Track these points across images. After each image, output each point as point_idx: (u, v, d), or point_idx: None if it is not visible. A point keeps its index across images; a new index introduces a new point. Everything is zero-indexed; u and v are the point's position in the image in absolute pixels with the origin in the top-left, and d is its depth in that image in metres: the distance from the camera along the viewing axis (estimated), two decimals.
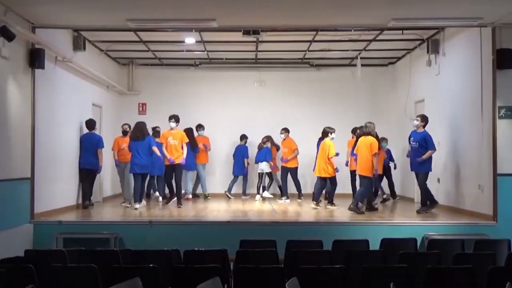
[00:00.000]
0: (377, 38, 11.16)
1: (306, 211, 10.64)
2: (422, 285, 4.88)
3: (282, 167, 12.66)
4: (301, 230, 8.50)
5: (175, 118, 10.92)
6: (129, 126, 11.46)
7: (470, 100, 9.62)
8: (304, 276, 4.68)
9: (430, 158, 9.63)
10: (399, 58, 13.60)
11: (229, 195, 13.20)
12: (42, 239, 8.31)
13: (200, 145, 13.06)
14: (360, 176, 10.11)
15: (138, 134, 10.55)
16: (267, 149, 12.84)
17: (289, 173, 12.55)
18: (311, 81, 14.44)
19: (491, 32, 8.73)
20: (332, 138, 10.70)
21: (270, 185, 13.24)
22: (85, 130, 10.97)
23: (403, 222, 8.84)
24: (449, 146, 10.42)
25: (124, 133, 11.59)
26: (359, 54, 12.67)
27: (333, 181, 10.76)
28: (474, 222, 8.70)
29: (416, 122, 9.86)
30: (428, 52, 11.17)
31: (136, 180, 10.60)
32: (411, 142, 9.96)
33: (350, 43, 11.60)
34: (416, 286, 4.96)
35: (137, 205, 10.44)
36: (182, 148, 10.83)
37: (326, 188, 10.91)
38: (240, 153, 13.40)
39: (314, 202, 10.84)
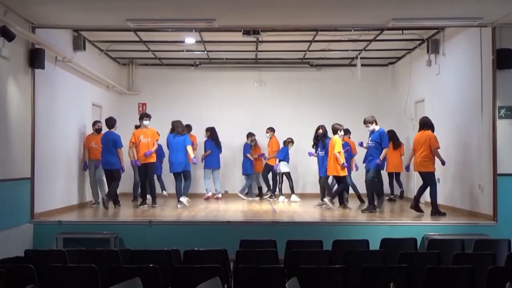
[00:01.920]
0: (377, 38, 11.16)
1: (306, 211, 10.64)
2: (422, 285, 4.88)
3: (265, 164, 13.02)
4: (301, 230, 8.49)
5: (140, 116, 10.88)
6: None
7: (470, 100, 9.62)
8: (304, 276, 4.68)
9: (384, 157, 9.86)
10: (399, 58, 13.59)
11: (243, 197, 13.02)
12: (42, 239, 8.30)
13: None
14: (422, 174, 9.52)
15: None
16: (286, 149, 12.72)
17: (271, 171, 12.92)
18: (311, 81, 14.44)
19: (491, 32, 8.73)
20: (341, 136, 10.53)
21: (292, 186, 12.61)
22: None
23: (403, 222, 8.84)
24: (449, 146, 10.40)
25: (98, 131, 10.81)
26: (359, 54, 12.67)
27: (342, 180, 10.55)
28: (474, 222, 8.70)
29: (370, 127, 10.06)
30: (428, 52, 11.17)
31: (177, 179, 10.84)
32: (369, 141, 10.17)
33: (350, 43, 11.60)
34: (416, 286, 4.97)
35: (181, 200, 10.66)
36: (153, 145, 10.63)
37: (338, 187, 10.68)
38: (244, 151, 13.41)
39: (328, 198, 10.53)
